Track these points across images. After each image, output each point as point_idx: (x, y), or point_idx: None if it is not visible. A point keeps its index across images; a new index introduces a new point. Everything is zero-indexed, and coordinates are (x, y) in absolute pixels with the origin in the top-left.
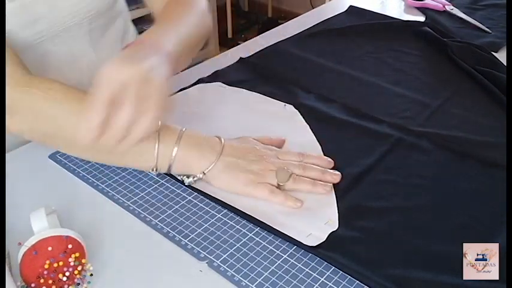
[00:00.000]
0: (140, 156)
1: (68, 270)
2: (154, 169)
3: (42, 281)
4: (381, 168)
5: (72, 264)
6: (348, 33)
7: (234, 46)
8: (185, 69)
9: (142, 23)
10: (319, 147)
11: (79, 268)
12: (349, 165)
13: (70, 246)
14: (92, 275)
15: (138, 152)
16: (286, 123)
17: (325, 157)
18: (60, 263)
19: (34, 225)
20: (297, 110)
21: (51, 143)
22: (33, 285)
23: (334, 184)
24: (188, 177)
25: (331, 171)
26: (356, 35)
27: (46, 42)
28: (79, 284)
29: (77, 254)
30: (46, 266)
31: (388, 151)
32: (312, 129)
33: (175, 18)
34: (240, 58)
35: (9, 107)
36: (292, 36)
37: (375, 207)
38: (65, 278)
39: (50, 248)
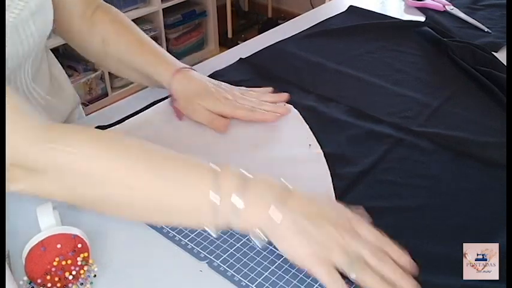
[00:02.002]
0: (191, 214)
1: (74, 269)
2: (209, 226)
3: (48, 277)
4: (381, 168)
5: (79, 263)
6: (348, 33)
7: (234, 46)
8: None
9: (142, 23)
10: (319, 147)
11: (85, 268)
12: (349, 165)
13: (80, 245)
14: (95, 276)
15: (189, 211)
16: (285, 123)
17: (407, 258)
18: (69, 261)
19: (41, 220)
20: (296, 110)
21: (91, 207)
22: (39, 280)
23: (334, 183)
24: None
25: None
26: (356, 35)
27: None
28: (82, 283)
29: (86, 254)
30: (55, 263)
31: (388, 151)
32: (311, 129)
33: None
34: (240, 58)
35: (31, 167)
36: (292, 36)
37: (374, 207)
38: (71, 277)
39: (59, 245)
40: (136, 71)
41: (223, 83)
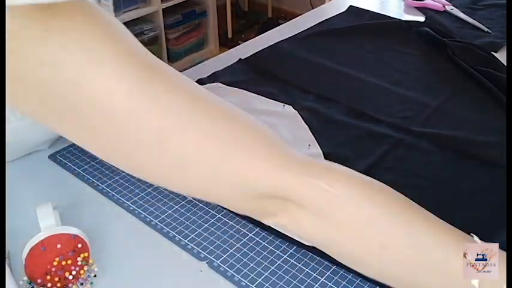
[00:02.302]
0: None
1: (75, 269)
2: None
3: (48, 277)
4: (381, 168)
5: (79, 263)
6: (348, 33)
7: (234, 46)
8: (185, 69)
9: (142, 23)
10: (319, 147)
11: (85, 268)
12: (349, 166)
13: (80, 245)
14: (95, 276)
15: None
16: (285, 124)
17: None
18: (69, 261)
19: (41, 220)
20: (296, 111)
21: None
22: (39, 280)
23: None
24: None
25: None
26: (356, 35)
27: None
28: (82, 284)
29: (86, 254)
30: (55, 263)
31: (388, 151)
32: (311, 130)
33: None
34: (240, 59)
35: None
36: (292, 36)
37: None
38: (71, 277)
39: (59, 246)
40: None
41: None
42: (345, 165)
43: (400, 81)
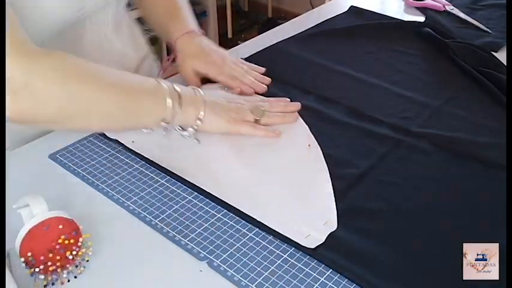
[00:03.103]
0: (153, 112)
1: (75, 250)
2: (164, 122)
3: (51, 255)
4: (381, 169)
5: (79, 244)
6: (349, 33)
7: (234, 46)
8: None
9: (142, 22)
10: (319, 148)
11: (83, 250)
12: (349, 167)
13: (81, 227)
14: (88, 260)
15: (150, 110)
16: (285, 124)
17: (283, 98)
18: (72, 241)
19: (34, 206)
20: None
21: (53, 126)
22: (42, 257)
23: (333, 184)
24: (184, 129)
25: (291, 103)
26: (356, 35)
27: (84, 21)
28: (77, 266)
29: (88, 235)
30: (60, 241)
31: (388, 152)
32: (311, 130)
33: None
34: (240, 59)
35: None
36: (292, 36)
37: (374, 208)
38: (71, 257)
39: (60, 226)
40: (159, 22)
41: (227, 56)
42: (344, 166)
43: (400, 81)
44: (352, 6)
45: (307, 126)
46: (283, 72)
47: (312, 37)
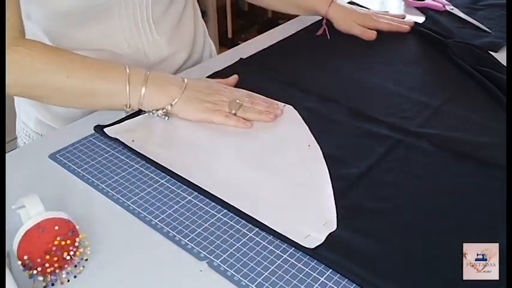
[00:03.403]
0: (114, 96)
1: (72, 250)
2: (127, 107)
3: (48, 257)
4: (381, 169)
5: (76, 244)
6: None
7: (234, 46)
8: (185, 69)
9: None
10: (319, 148)
11: (80, 250)
12: (349, 167)
13: (78, 227)
14: (87, 260)
15: (111, 94)
16: (285, 124)
17: (270, 99)
18: (68, 242)
19: (30, 207)
20: (296, 111)
21: (29, 94)
22: (39, 260)
23: (333, 185)
24: (157, 110)
25: (276, 106)
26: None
27: (112, 8)
28: (76, 266)
29: (85, 235)
30: (56, 242)
31: (388, 152)
32: (311, 130)
33: None
34: (240, 58)
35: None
36: (292, 35)
37: (374, 208)
38: (68, 257)
39: (56, 227)
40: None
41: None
42: (344, 166)
43: (400, 81)
44: (351, 2)
45: (307, 126)
46: (283, 72)
47: (311, 36)
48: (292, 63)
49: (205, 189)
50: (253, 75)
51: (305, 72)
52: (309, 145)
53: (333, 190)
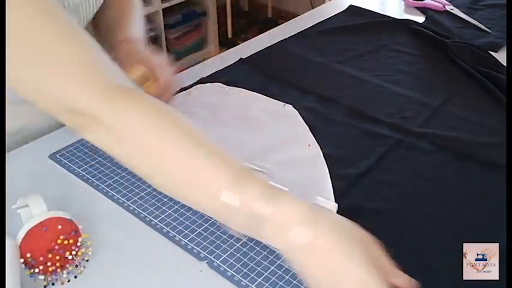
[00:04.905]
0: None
1: (74, 250)
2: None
3: (50, 255)
4: (380, 169)
5: (79, 244)
6: (348, 32)
7: (234, 46)
8: (185, 69)
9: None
10: (319, 148)
11: (82, 250)
12: (349, 166)
13: (80, 226)
14: (88, 260)
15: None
16: (285, 124)
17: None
18: (71, 241)
19: (33, 207)
20: (296, 110)
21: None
22: (41, 258)
23: (333, 184)
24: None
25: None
26: (356, 35)
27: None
28: (77, 266)
29: (87, 235)
30: (59, 241)
31: (388, 152)
32: (311, 130)
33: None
34: (240, 58)
35: (99, 121)
36: (292, 36)
37: (373, 208)
38: (70, 257)
39: (59, 226)
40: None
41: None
42: (344, 166)
43: (400, 81)
44: (351, 5)
45: (307, 126)
46: (283, 72)
47: (312, 36)
48: (293, 62)
49: None
50: (253, 75)
51: (306, 72)
52: (309, 145)
53: (333, 190)
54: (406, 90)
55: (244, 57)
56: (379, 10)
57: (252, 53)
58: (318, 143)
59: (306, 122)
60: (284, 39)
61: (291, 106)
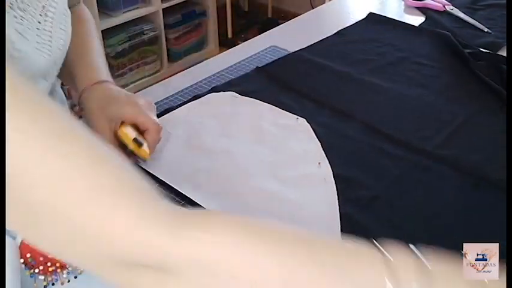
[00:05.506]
0: None
1: None
2: None
3: (50, 255)
4: (393, 194)
5: None
6: (368, 42)
7: (234, 46)
8: (185, 69)
9: (142, 22)
10: (329, 166)
11: None
12: (359, 189)
13: None
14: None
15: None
16: (297, 138)
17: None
18: None
19: None
20: (309, 125)
21: None
22: (41, 258)
23: (340, 208)
24: None
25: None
26: (377, 45)
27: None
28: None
29: None
30: None
31: (402, 174)
32: (323, 146)
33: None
34: (257, 67)
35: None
36: (311, 45)
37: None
38: None
39: None
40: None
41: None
42: (355, 189)
43: (420, 96)
44: (370, 13)
45: (319, 142)
46: (300, 83)
47: (331, 46)
48: (310, 73)
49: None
50: (269, 85)
51: (322, 84)
52: (319, 163)
53: (340, 214)
54: (426, 107)
55: (244, 57)
56: (379, 11)
57: (252, 53)
58: (329, 161)
59: (318, 138)
60: (303, 48)
61: (304, 120)
